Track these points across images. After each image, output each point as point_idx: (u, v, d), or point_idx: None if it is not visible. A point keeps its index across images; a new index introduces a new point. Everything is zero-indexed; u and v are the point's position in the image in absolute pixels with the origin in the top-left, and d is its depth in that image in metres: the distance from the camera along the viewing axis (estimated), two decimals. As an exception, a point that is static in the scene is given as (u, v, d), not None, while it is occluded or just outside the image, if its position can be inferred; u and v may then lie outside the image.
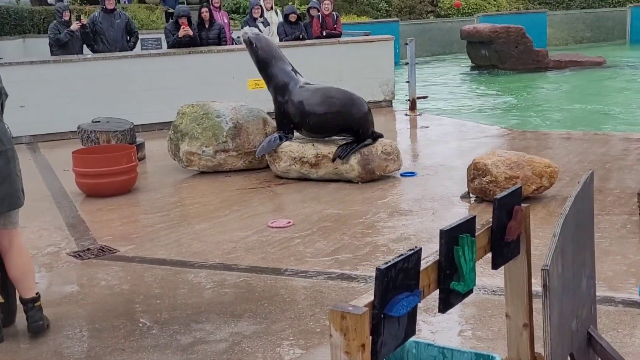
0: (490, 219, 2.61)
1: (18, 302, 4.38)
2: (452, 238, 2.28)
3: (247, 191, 7.55)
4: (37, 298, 4.30)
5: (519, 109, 13.15)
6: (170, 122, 8.79)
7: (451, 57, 23.22)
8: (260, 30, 12.17)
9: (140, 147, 9.17)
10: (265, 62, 8.01)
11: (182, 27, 11.39)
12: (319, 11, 12.72)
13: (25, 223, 6.05)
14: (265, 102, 9.89)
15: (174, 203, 7.23)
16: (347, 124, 7.58)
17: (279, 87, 7.89)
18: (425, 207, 6.64)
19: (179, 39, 11.48)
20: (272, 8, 13.17)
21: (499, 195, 2.63)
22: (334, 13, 12.91)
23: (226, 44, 12.15)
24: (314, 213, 6.56)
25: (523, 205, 2.73)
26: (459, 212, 6.33)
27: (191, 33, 11.46)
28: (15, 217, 4.24)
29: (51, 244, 6.00)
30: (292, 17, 12.42)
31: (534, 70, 18.39)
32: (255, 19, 12.37)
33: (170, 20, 12.97)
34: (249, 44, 8.09)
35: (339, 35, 12.79)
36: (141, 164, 8.65)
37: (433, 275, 2.23)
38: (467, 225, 2.37)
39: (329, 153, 7.65)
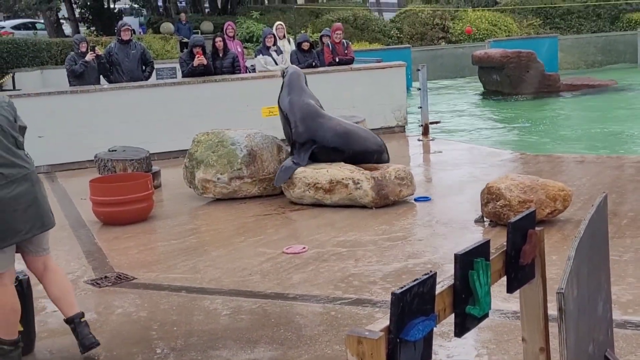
0: (505, 243, 2.60)
1: (38, 329, 4.38)
2: (467, 262, 2.28)
3: (262, 217, 7.55)
4: (82, 314, 4.32)
5: (532, 133, 13.12)
6: (186, 150, 8.83)
7: (463, 82, 23.25)
8: (274, 59, 12.27)
9: (156, 175, 9.21)
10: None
11: (196, 56, 11.43)
12: (330, 39, 12.80)
13: (44, 251, 6.07)
14: (279, 129, 9.92)
15: (190, 230, 7.24)
16: (366, 160, 8.06)
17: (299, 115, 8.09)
18: (440, 231, 6.62)
19: (193, 68, 11.53)
20: (284, 37, 13.21)
21: (513, 219, 2.63)
22: (344, 41, 12.99)
23: (240, 72, 12.19)
24: (329, 239, 6.55)
25: (537, 228, 2.73)
26: (473, 237, 6.32)
27: (205, 62, 11.50)
28: (46, 243, 4.26)
29: (69, 272, 6.01)
30: (305, 45, 12.45)
31: (546, 94, 18.36)
32: (268, 48, 12.44)
33: (185, 50, 13.08)
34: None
35: (351, 61, 12.85)
36: (157, 192, 8.69)
37: (448, 300, 2.22)
38: (482, 249, 2.36)
39: (343, 179, 7.68)
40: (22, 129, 4.23)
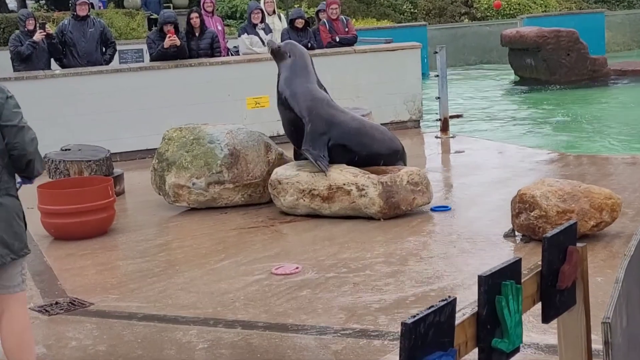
0: (540, 262, 2.61)
1: None
2: (493, 286, 2.28)
3: (247, 231, 7.56)
4: None
5: (573, 129, 13.15)
6: (154, 149, 8.84)
7: (490, 67, 23.29)
8: (261, 39, 12.28)
9: (119, 179, 9.21)
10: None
11: (167, 35, 11.44)
12: (326, 15, 12.81)
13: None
14: (267, 123, 9.95)
15: (159, 246, 7.24)
16: (377, 162, 8.08)
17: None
18: (461, 248, 6.62)
19: (164, 50, 11.55)
20: (274, 12, 13.24)
21: (550, 233, 2.64)
22: (342, 17, 13.03)
23: (220, 55, 12.20)
24: (327, 257, 6.55)
25: (579, 245, 2.73)
26: (501, 254, 6.31)
27: (179, 43, 11.52)
28: (9, 279, 4.17)
29: (12, 297, 6.01)
30: (299, 23, 12.39)
31: (590, 82, 18.40)
32: (255, 26, 12.46)
33: (154, 28, 13.12)
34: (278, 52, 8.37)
35: (354, 40, 12.88)
36: (119, 199, 8.62)
37: (471, 331, 2.22)
38: (512, 270, 2.37)
39: (345, 184, 7.68)
40: (10, 129, 4.10)
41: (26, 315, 4.30)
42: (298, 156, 8.29)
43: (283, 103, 8.17)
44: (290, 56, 8.32)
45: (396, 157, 8.23)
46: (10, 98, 4.11)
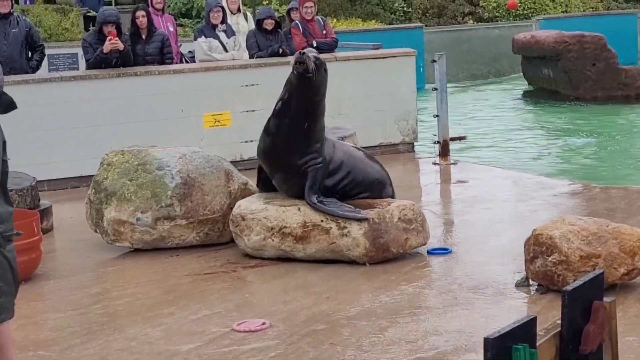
0: (559, 320, 2.63)
1: None
2: (502, 350, 2.28)
3: (203, 278, 7.52)
4: None
5: (600, 155, 13.22)
6: (91, 176, 8.79)
7: (499, 79, 23.36)
8: (222, 43, 12.28)
9: (46, 213, 9.16)
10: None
11: (108, 38, 11.37)
12: (299, 15, 12.81)
13: None
14: (229, 146, 9.92)
15: (95, 296, 7.20)
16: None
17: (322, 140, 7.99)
18: (464, 300, 6.61)
19: (103, 56, 11.48)
20: (239, 10, 13.25)
21: (572, 285, 2.66)
22: (318, 17, 13.05)
23: (172, 62, 12.20)
24: (300, 310, 6.53)
25: (607, 300, 2.75)
26: (512, 309, 6.29)
27: (122, 47, 11.46)
28: None
29: None
30: (268, 24, 12.41)
31: (620, 98, 18.47)
32: (214, 27, 12.44)
33: (92, 29, 13.06)
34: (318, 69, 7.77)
35: (334, 45, 12.88)
36: (47, 237, 8.55)
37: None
38: (525, 330, 2.38)
39: (322, 221, 7.65)
40: None
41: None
42: (264, 185, 8.26)
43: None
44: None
45: (382, 187, 8.24)
46: None
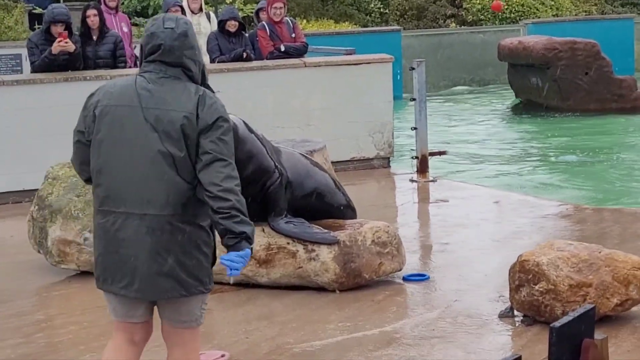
0: (547, 358, 2.65)
1: None
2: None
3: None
4: None
5: (591, 172, 13.34)
6: (34, 190, 8.74)
7: (484, 88, 23.61)
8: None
9: (-15, 231, 9.15)
10: None
11: (58, 39, 11.28)
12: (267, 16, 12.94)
13: None
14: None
15: (38, 324, 7.24)
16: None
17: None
18: (442, 332, 6.62)
19: (51, 58, 11.41)
20: (201, 10, 13.48)
21: (560, 321, 2.66)
22: (287, 19, 13.15)
23: (125, 66, 12.15)
24: (263, 341, 6.59)
25: (597, 337, 2.78)
26: (495, 342, 6.39)
27: (72, 48, 11.40)
28: (186, 314, 4.90)
29: None
30: (232, 26, 12.47)
31: (614, 110, 18.57)
32: (172, 28, 12.35)
33: (38, 28, 12.93)
34: None
35: (304, 49, 12.96)
36: (-16, 259, 8.53)
37: None
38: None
39: (288, 243, 7.63)
40: None
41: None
42: None
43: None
44: None
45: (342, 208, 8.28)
46: None
